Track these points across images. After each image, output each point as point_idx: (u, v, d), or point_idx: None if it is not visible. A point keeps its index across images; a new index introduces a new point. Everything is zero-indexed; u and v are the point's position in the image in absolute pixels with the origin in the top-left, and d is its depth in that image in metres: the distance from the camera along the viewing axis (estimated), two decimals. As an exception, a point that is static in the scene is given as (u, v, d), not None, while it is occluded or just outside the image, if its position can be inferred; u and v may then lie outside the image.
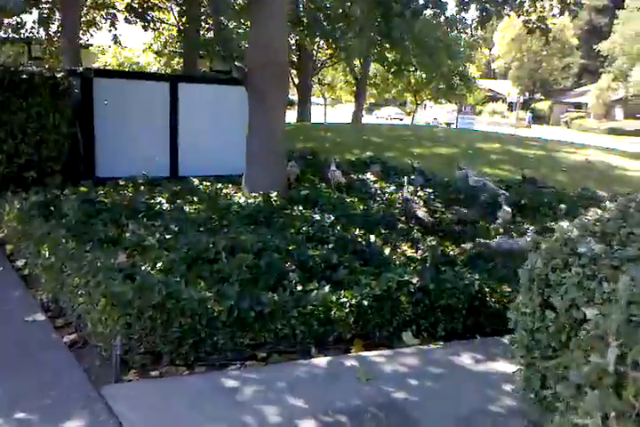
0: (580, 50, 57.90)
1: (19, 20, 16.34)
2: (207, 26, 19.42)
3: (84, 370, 3.55)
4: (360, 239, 5.63)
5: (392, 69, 23.18)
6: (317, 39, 22.47)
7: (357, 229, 5.88)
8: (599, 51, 52.35)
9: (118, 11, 18.18)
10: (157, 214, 6.08)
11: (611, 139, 34.05)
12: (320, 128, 16.12)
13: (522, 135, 21.04)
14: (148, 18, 18.32)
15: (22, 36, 17.02)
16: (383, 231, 5.99)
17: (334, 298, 4.16)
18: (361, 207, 6.79)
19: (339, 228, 5.89)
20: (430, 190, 7.87)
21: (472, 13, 16.35)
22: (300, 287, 4.27)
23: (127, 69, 25.27)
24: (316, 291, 4.21)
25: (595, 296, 2.21)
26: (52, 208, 6.04)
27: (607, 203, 2.73)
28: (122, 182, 7.44)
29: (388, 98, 40.97)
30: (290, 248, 5.01)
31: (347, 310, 4.13)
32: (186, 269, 4.35)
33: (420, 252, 5.48)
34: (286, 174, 8.00)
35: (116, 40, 18.20)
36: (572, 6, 9.40)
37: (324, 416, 3.17)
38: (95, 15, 18.70)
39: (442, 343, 4.37)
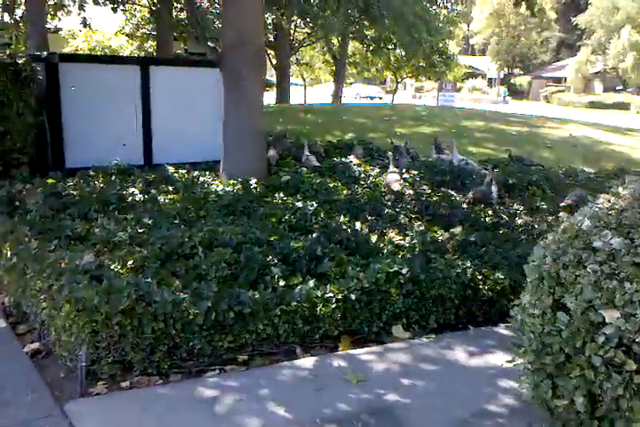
0: (557, 24, 57.59)
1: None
2: (180, 6, 18.82)
3: (47, 383, 3.24)
4: (345, 227, 5.35)
5: (371, 47, 22.71)
6: (294, 18, 21.93)
7: (342, 217, 5.61)
8: (577, 24, 52.13)
9: (86, -8, 17.44)
10: (130, 206, 5.75)
11: (589, 112, 33.95)
12: (300, 109, 15.71)
13: (503, 112, 20.79)
14: (118, -1, 17.65)
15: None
16: (369, 218, 5.72)
17: (320, 293, 3.89)
18: (345, 192, 6.49)
19: (322, 215, 5.61)
20: (416, 172, 7.59)
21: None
22: (282, 283, 3.99)
23: (99, 53, 24.56)
24: (300, 286, 3.93)
25: (615, 297, 1.96)
26: (16, 203, 5.68)
27: (620, 188, 2.45)
28: (92, 173, 7.05)
29: (368, 77, 40.51)
30: (271, 240, 4.72)
31: (333, 306, 3.85)
32: (159, 267, 4.05)
33: (408, 239, 5.21)
34: (266, 159, 7.66)
35: (85, 23, 17.48)
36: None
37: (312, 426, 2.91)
38: (62, -3, 17.95)
39: (434, 336, 4.13)
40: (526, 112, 22.29)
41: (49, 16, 16.59)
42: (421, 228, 5.60)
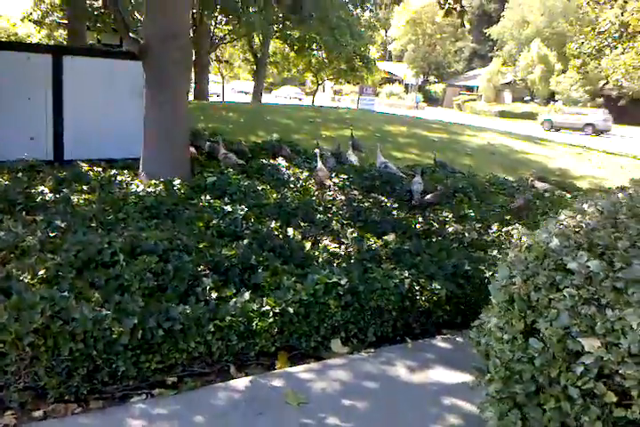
0: (471, 34, 59.79)
1: None
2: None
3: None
4: (277, 233, 5.10)
5: (295, 47, 22.50)
6: (215, 13, 21.38)
7: (273, 222, 5.34)
8: (489, 35, 54.33)
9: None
10: (39, 207, 5.22)
11: (499, 121, 35.36)
12: (220, 107, 15.25)
13: (424, 118, 21.18)
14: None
15: None
16: (302, 224, 5.49)
17: (255, 306, 3.63)
18: (274, 196, 6.23)
19: (252, 220, 5.32)
20: (344, 176, 7.45)
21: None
22: (214, 295, 3.70)
23: (3, 40, 22.98)
24: (234, 299, 3.65)
25: (596, 325, 1.83)
26: None
27: (584, 205, 2.36)
28: (-4, 168, 6.40)
29: (288, 77, 40.39)
30: (200, 246, 4.39)
31: (270, 320, 3.60)
32: (75, 277, 3.64)
33: (343, 247, 5.03)
34: (189, 159, 7.26)
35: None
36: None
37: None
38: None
39: (373, 351, 3.96)
40: (444, 119, 22.83)
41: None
42: (354, 235, 5.44)
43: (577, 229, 2.23)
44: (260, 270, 4.18)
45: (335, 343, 3.91)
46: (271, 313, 3.61)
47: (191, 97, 22.71)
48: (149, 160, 6.82)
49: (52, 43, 24.54)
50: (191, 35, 23.02)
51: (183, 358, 3.27)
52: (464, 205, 7.05)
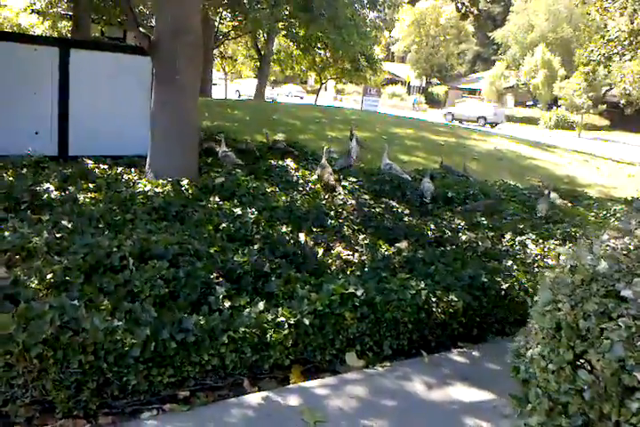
0: (475, 37, 59.62)
1: None
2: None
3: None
4: (288, 238, 4.96)
5: (302, 46, 22.33)
6: (220, 9, 21.20)
7: (284, 226, 5.21)
8: (493, 39, 54.19)
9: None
10: (45, 206, 5.08)
11: (502, 125, 35.35)
12: (226, 105, 15.10)
13: (430, 120, 21.05)
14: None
15: None
16: (313, 229, 5.36)
17: (270, 317, 3.50)
18: (283, 199, 6.09)
19: (263, 224, 5.19)
20: (354, 179, 7.33)
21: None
22: (227, 303, 3.57)
23: (8, 31, 22.77)
24: (248, 308, 3.52)
25: (656, 359, 1.71)
26: None
27: (629, 224, 2.23)
28: (0, 164, 6.25)
29: (290, 75, 40.20)
30: (211, 251, 4.26)
31: (285, 332, 3.47)
32: (84, 283, 3.50)
33: (356, 255, 4.90)
34: (197, 159, 7.11)
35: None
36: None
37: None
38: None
39: (389, 364, 3.84)
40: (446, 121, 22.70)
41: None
42: (366, 241, 5.32)
43: (625, 252, 2.10)
44: (273, 278, 4.05)
45: (350, 356, 3.78)
46: (286, 324, 3.48)
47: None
48: (157, 159, 6.68)
49: (55, 34, 24.33)
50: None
51: (196, 371, 3.13)
52: (477, 212, 6.92)
